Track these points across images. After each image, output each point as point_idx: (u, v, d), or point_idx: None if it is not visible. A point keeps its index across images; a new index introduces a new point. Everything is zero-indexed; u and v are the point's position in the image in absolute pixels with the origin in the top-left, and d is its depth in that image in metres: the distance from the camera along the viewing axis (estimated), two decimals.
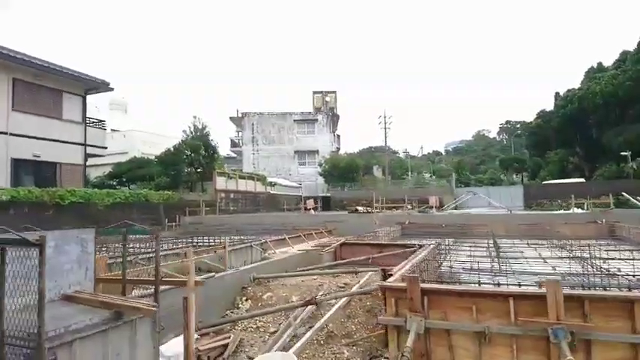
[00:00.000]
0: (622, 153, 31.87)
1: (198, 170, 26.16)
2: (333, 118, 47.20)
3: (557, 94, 51.84)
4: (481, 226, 16.58)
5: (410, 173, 65.63)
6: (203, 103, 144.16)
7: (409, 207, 29.92)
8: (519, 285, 6.24)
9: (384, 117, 66.70)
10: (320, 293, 6.86)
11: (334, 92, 50.30)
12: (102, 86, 21.58)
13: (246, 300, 7.42)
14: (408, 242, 10.21)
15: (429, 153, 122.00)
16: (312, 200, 37.80)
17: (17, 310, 3.33)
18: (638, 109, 31.80)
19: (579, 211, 22.13)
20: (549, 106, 48.96)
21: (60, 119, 20.11)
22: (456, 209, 25.20)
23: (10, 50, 17.91)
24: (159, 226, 21.47)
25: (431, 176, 51.67)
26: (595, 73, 41.57)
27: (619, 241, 13.49)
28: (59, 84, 20.05)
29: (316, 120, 46.04)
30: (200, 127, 31.28)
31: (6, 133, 17.83)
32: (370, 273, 7.94)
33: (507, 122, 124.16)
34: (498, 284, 5.99)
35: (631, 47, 36.73)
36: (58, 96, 20.13)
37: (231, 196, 28.34)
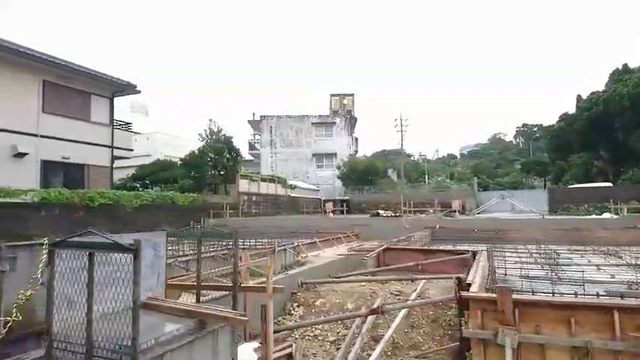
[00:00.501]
0: None
1: (221, 173, 26.11)
2: (351, 121, 46.97)
3: (579, 96, 50.84)
4: (515, 231, 16.17)
5: (427, 177, 65.02)
6: (220, 105, 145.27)
7: (431, 211, 29.55)
8: (583, 294, 5.94)
9: (400, 119, 66.44)
10: (378, 301, 6.60)
11: (352, 95, 50.10)
12: (128, 88, 21.67)
13: (298, 306, 7.21)
14: (458, 248, 9.88)
15: (443, 156, 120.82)
16: (331, 203, 37.60)
17: (97, 319, 3.15)
18: None
19: (610, 216, 21.49)
20: (569, 108, 48.20)
21: (88, 121, 20.23)
22: (480, 214, 24.62)
23: (37, 52, 18.07)
24: (184, 228, 21.47)
25: (450, 180, 50.99)
26: (620, 75, 40.65)
27: None
28: (87, 86, 20.18)
29: (334, 123, 45.85)
30: (215, 130, 31.42)
31: (36, 135, 17.96)
32: (423, 281, 7.65)
33: (524, 125, 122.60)
34: (561, 294, 5.71)
35: None
36: (87, 98, 20.25)
37: (254, 198, 28.26)
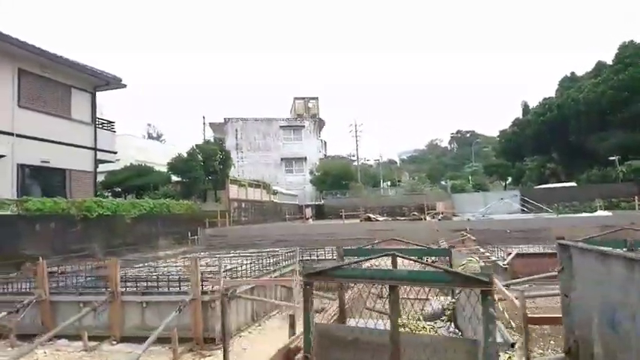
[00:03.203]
0: (610, 158, 33.57)
1: (211, 178, 23.79)
2: (320, 124, 46.06)
3: (525, 103, 54.54)
4: (544, 231, 16.14)
5: (382, 181, 65.88)
6: (172, 108, 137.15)
7: (415, 214, 29.42)
8: None
9: (355, 125, 66.92)
10: None
11: (316, 98, 49.20)
12: (113, 82, 18.91)
13: None
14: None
15: (384, 162, 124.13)
16: (309, 209, 36.35)
17: None
18: (621, 115, 33.70)
19: (605, 213, 22.58)
20: (502, 114, 51.11)
21: (69, 119, 17.27)
22: (484, 216, 24.78)
23: (13, 38, 15.04)
24: (183, 239, 19.15)
25: (393, 185, 52.03)
26: (569, 82, 43.94)
27: None
28: (68, 78, 17.25)
29: (303, 126, 44.65)
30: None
31: (12, 134, 14.88)
32: None
33: (458, 132, 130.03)
34: None
35: (603, 58, 39.35)
36: (67, 92, 17.30)
37: (242, 205, 26.23)
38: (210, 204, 23.03)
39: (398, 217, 26.78)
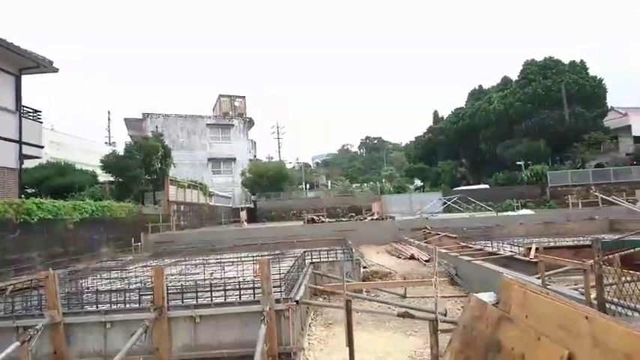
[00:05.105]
0: (517, 162, 37.76)
1: (149, 178, 21.41)
2: (249, 124, 44.70)
3: (435, 112, 59.12)
4: (500, 228, 17.47)
5: (305, 184, 66.31)
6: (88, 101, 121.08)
7: (353, 215, 29.97)
8: None
9: (277, 127, 66.49)
10: None
11: (243, 97, 47.73)
12: (43, 65, 16.14)
13: None
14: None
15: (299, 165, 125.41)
16: (244, 212, 35.02)
17: None
18: (526, 125, 38.15)
19: (528, 211, 25.23)
20: (407, 124, 55.16)
21: None
22: (429, 216, 25.97)
23: None
24: (126, 246, 17.03)
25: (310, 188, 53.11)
26: (478, 94, 48.55)
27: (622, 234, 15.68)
28: None
29: (232, 125, 42.92)
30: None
31: None
32: None
33: (367, 138, 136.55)
34: None
35: (509, 74, 44.31)
36: None
37: (182, 208, 24.28)
38: (148, 207, 20.85)
39: (341, 219, 26.96)
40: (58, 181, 21.01)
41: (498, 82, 45.17)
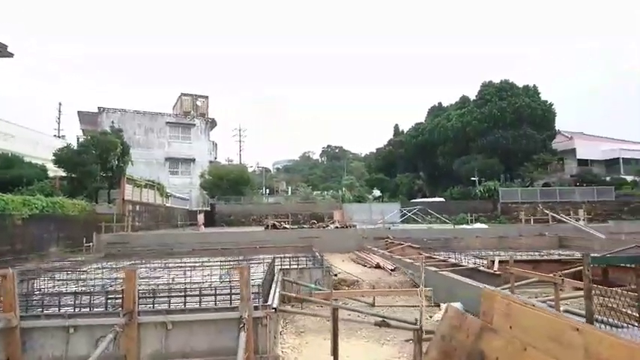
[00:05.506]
0: (472, 178, 39.35)
1: (105, 175, 20.28)
2: (212, 124, 43.75)
3: (396, 125, 60.64)
4: (458, 240, 18.07)
5: (265, 189, 65.68)
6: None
7: (315, 222, 29.96)
8: None
9: (239, 130, 65.66)
10: None
11: (207, 97, 46.72)
12: None
13: None
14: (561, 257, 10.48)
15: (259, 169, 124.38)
16: (202, 215, 34.11)
17: None
18: (482, 143, 39.91)
19: (483, 225, 26.28)
20: (366, 135, 56.54)
21: None
22: (391, 226, 26.37)
23: None
24: (77, 246, 16.07)
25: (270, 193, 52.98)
26: (437, 111, 50.31)
27: (570, 250, 16.70)
28: None
29: (194, 124, 41.82)
30: None
31: None
32: None
33: (328, 146, 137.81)
34: None
35: (467, 93, 46.29)
36: None
37: (137, 208, 23.27)
38: (102, 205, 19.83)
39: (303, 226, 26.88)
40: (4, 173, 19.55)
41: (457, 101, 47.00)
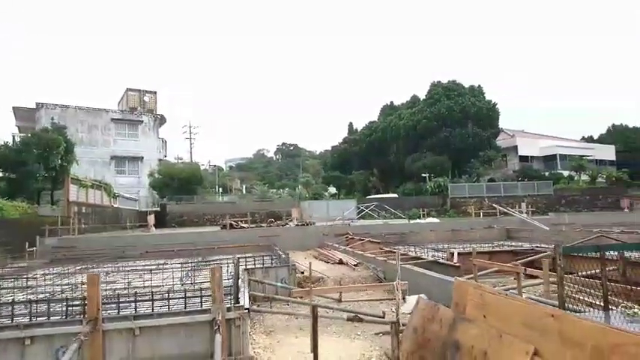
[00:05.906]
0: (423, 175, 40.70)
1: (47, 175, 18.84)
2: (161, 121, 42.08)
3: (350, 124, 61.46)
4: (414, 234, 18.65)
5: (217, 187, 64.22)
6: None
7: (272, 220, 29.79)
8: None
9: (190, 127, 63.76)
10: None
11: (155, 92, 44.83)
12: None
13: None
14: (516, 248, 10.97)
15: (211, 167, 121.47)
16: (152, 216, 32.78)
17: None
18: (431, 141, 41.37)
19: (435, 219, 27.27)
20: (321, 132, 57.27)
21: None
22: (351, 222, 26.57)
23: None
24: (18, 251, 14.91)
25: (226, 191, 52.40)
26: (390, 109, 51.50)
27: (518, 241, 17.73)
28: None
29: (141, 121, 40.02)
30: None
31: None
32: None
33: (283, 144, 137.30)
34: None
35: (416, 92, 47.75)
36: None
37: (83, 210, 21.97)
38: (45, 207, 18.52)
39: (260, 224, 26.60)
40: None
41: (408, 100, 48.33)
